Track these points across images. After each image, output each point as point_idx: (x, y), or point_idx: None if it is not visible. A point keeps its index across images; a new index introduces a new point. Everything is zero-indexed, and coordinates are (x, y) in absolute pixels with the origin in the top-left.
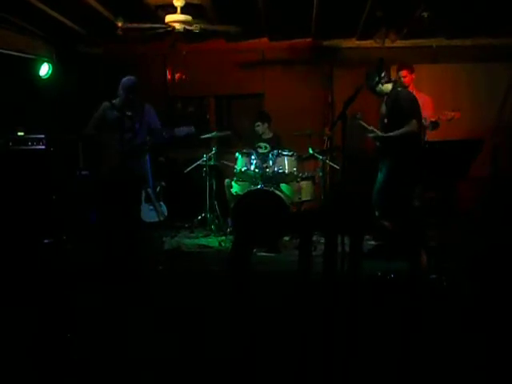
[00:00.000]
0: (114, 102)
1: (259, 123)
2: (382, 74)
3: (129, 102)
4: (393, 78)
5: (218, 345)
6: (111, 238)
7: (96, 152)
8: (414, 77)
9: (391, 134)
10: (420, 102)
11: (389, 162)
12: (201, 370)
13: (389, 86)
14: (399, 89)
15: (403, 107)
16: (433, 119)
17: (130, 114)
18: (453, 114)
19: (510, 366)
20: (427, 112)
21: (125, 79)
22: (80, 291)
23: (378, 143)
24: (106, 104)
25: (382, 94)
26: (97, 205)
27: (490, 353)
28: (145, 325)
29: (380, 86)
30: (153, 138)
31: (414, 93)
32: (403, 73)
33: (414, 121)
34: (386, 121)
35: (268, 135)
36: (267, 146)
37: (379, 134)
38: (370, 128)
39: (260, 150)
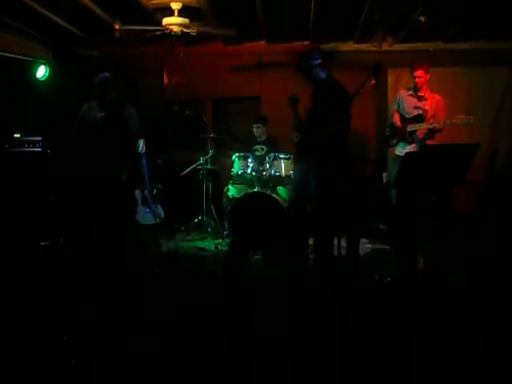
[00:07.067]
0: (92, 102)
1: (260, 125)
2: (319, 61)
3: (105, 100)
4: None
5: (216, 346)
6: (102, 240)
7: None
8: (428, 77)
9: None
10: (434, 103)
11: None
12: (200, 371)
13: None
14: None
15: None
16: (448, 121)
17: (110, 113)
18: (470, 117)
19: (510, 366)
20: (441, 113)
21: (98, 77)
22: (77, 293)
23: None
24: (85, 105)
25: (314, 81)
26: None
27: (489, 353)
28: (142, 327)
29: (318, 70)
30: (131, 139)
31: (427, 94)
32: (418, 73)
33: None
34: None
35: (263, 137)
36: (263, 147)
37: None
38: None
39: (257, 153)
